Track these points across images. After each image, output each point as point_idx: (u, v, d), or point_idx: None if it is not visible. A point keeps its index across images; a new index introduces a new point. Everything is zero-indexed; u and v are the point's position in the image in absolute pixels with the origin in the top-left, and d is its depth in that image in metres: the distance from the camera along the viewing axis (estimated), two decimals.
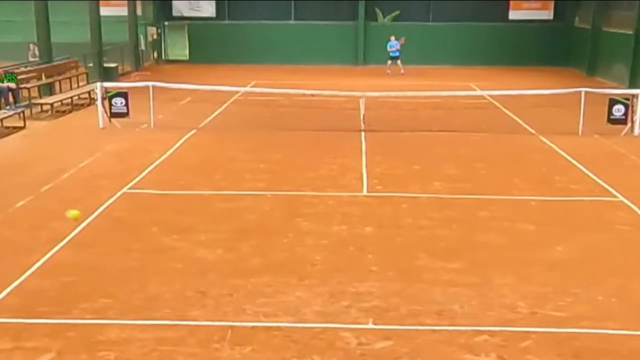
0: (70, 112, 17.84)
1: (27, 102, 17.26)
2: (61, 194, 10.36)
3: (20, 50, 24.74)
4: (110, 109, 15.58)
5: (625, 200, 10.20)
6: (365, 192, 10.68)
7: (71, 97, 18.48)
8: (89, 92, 18.97)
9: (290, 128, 15.63)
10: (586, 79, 24.71)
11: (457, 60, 29.39)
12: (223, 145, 14.00)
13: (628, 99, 15.10)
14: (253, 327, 6.27)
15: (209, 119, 16.72)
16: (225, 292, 6.98)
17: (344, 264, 7.79)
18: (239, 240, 8.48)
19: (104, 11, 25.68)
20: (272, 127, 15.83)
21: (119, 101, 15.55)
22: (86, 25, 23.67)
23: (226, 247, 8.26)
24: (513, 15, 30.34)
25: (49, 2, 20.02)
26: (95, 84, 16.43)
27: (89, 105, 18.52)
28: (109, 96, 15.60)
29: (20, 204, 9.81)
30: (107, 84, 16.26)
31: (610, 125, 15.11)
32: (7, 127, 15.30)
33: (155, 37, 30.85)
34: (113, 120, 15.52)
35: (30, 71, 19.32)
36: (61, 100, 18.13)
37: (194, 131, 15.08)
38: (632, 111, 14.98)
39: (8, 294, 6.90)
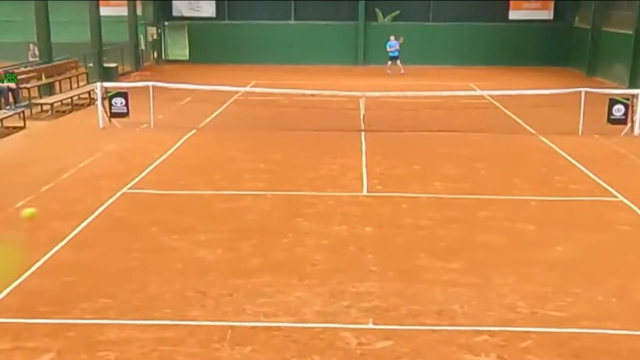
0: (70, 112, 17.84)
1: (27, 102, 17.26)
2: (61, 194, 10.37)
3: (20, 50, 24.74)
4: (110, 109, 15.58)
5: (625, 200, 10.20)
6: (365, 192, 10.68)
7: (71, 97, 18.48)
8: (89, 92, 18.97)
9: (290, 128, 15.63)
10: (586, 79, 24.71)
11: (457, 60, 29.40)
12: (223, 145, 14.00)
13: (628, 99, 15.10)
14: (253, 327, 6.27)
15: (209, 119, 16.72)
16: (225, 292, 6.98)
17: (344, 264, 7.79)
18: (239, 240, 8.48)
19: (104, 11, 25.68)
20: (272, 127, 15.83)
21: (119, 101, 15.55)
22: (86, 25, 23.68)
23: (226, 247, 8.27)
24: (513, 15, 30.35)
25: (49, 2, 20.02)
26: (95, 84, 16.44)
27: (89, 105, 18.53)
28: (109, 96, 15.60)
29: (20, 204, 9.80)
30: (107, 84, 16.26)
31: (610, 125, 15.11)
32: (7, 127, 15.30)
33: (155, 37, 30.85)
34: (113, 120, 15.52)
35: (30, 71, 19.32)
36: (61, 100, 18.13)
37: (194, 131, 15.08)
38: (632, 111, 14.98)
39: (8, 294, 6.90)
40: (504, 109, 18.23)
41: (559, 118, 16.56)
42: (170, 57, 31.40)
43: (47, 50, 20.49)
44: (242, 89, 18.81)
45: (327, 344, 5.98)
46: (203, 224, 9.06)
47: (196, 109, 17.77)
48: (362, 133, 14.91)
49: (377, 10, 30.40)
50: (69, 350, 5.84)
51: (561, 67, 28.45)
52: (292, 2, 30.66)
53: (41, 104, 17.67)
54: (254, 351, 5.85)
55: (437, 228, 9.05)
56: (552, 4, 30.20)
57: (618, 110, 15.13)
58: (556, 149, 13.71)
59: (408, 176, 11.71)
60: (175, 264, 7.72)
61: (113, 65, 24.22)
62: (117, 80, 21.46)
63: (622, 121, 15.11)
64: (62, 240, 8.34)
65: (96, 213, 9.41)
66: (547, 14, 30.31)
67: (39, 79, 19.26)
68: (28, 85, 18.04)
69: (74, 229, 8.75)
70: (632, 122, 14.99)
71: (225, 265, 7.70)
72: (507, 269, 7.66)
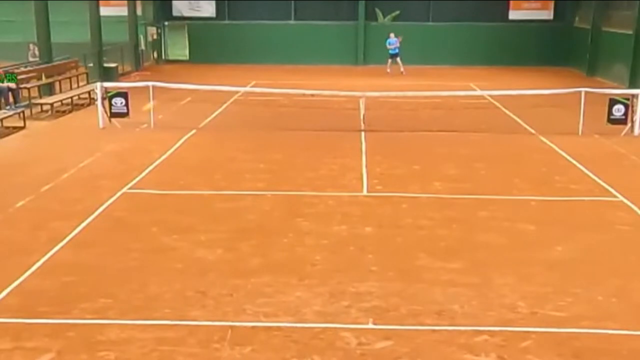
0: (70, 112, 17.84)
1: (27, 102, 17.25)
2: (61, 194, 10.37)
3: (20, 50, 24.72)
4: (110, 109, 15.58)
5: (625, 200, 10.20)
6: (365, 192, 10.68)
7: (71, 97, 18.47)
8: (89, 92, 18.96)
9: (290, 128, 15.63)
10: (586, 79, 24.71)
11: (457, 60, 29.39)
12: (223, 145, 14.00)
13: (628, 99, 15.09)
14: (253, 327, 6.27)
15: (209, 119, 16.72)
16: (225, 292, 6.98)
17: (344, 264, 7.79)
18: (239, 240, 8.48)
19: (104, 11, 25.67)
20: (272, 127, 15.83)
21: (119, 101, 15.55)
22: (86, 25, 23.67)
23: (226, 247, 8.27)
24: (513, 15, 30.34)
25: (49, 2, 20.01)
26: (95, 84, 16.43)
27: (89, 105, 18.52)
28: (109, 96, 15.60)
29: (20, 204, 9.81)
30: (107, 84, 16.26)
31: (610, 125, 15.11)
32: (7, 127, 15.30)
33: (155, 37, 30.85)
34: (113, 120, 15.52)
35: (30, 71, 19.32)
36: (61, 100, 18.13)
37: (194, 131, 15.08)
38: (632, 111, 14.98)
39: (8, 294, 6.90)
40: (504, 109, 18.23)
41: (559, 118, 16.56)
42: (170, 57, 31.40)
43: (47, 50, 20.49)
44: (242, 89, 18.81)
45: (327, 344, 5.99)
46: (203, 224, 9.06)
47: (196, 109, 17.77)
48: (362, 133, 14.91)
49: (377, 10, 30.40)
50: (69, 350, 5.84)
51: (561, 67, 28.45)
52: (292, 2, 30.65)
53: (41, 104, 17.67)
54: (254, 351, 5.85)
55: (437, 228, 9.05)
56: (552, 4, 30.19)
57: (618, 110, 15.13)
58: (556, 149, 13.71)
59: (408, 176, 11.71)
60: (175, 264, 7.72)
61: (113, 65, 24.21)
62: (117, 80, 21.46)
63: (622, 121, 15.11)
64: (62, 240, 8.34)
65: (96, 213, 9.41)
66: (547, 14, 30.31)
67: (39, 79, 19.26)
68: (28, 85, 18.04)
69: (74, 229, 8.75)
70: (632, 122, 14.98)
71: (225, 265, 7.70)
72: (507, 269, 7.66)
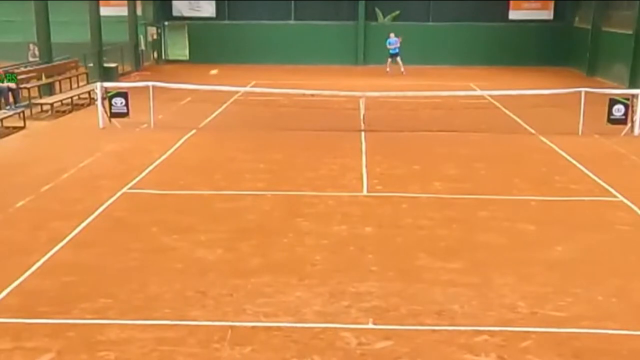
0: (70, 112, 17.84)
1: (27, 102, 17.25)
2: (61, 194, 10.37)
3: (20, 50, 24.72)
4: (110, 109, 15.58)
5: (625, 200, 10.20)
6: (365, 192, 10.68)
7: (71, 97, 18.47)
8: (89, 92, 18.96)
9: (290, 128, 15.63)
10: (586, 79, 24.71)
11: (457, 60, 29.39)
12: (223, 145, 14.00)
13: (628, 99, 15.09)
14: (253, 327, 6.27)
15: (209, 119, 16.72)
16: (225, 292, 6.98)
17: (344, 264, 7.79)
18: (239, 240, 8.48)
19: (104, 11, 25.68)
20: (272, 127, 15.83)
21: (119, 101, 15.55)
22: (86, 25, 23.67)
23: (226, 247, 8.27)
24: (513, 15, 30.34)
25: (49, 2, 20.01)
26: (95, 84, 16.43)
27: (89, 105, 18.52)
28: (109, 96, 15.60)
29: (20, 204, 9.82)
30: (107, 84, 16.26)
31: (610, 125, 15.11)
32: (7, 127, 15.30)
33: (155, 37, 30.85)
34: (113, 120, 15.52)
35: (30, 71, 19.31)
36: (61, 100, 18.13)
37: (194, 131, 15.08)
38: (632, 111, 14.97)
39: (8, 294, 6.90)
40: (504, 109, 18.23)
41: (559, 118, 16.56)
42: (170, 57, 31.40)
43: (47, 50, 20.48)
44: (242, 89, 18.81)
45: (327, 344, 5.98)
46: (203, 224, 9.06)
47: (196, 109, 17.77)
48: (362, 133, 14.91)
49: (377, 10, 30.40)
50: (69, 350, 5.84)
51: (561, 67, 28.45)
52: (292, 2, 30.65)
53: (41, 104, 17.67)
54: (254, 351, 5.85)
55: (437, 228, 9.05)
56: (552, 4, 30.19)
57: (618, 110, 15.13)
58: (556, 149, 13.71)
59: (408, 176, 11.71)
60: (175, 264, 7.72)
61: (113, 65, 24.21)
62: (117, 80, 21.46)
63: (622, 121, 15.11)
64: (62, 240, 8.34)
65: (96, 213, 9.41)
66: (547, 14, 30.30)
67: (39, 79, 19.26)
68: (28, 85, 18.04)
69: (74, 229, 8.75)
70: (632, 122, 14.98)
71: (225, 265, 7.70)
72: (507, 269, 7.66)
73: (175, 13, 31.21)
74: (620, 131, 14.96)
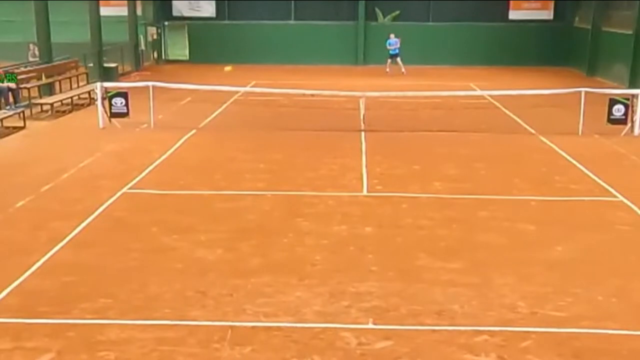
0: (70, 112, 17.84)
1: (27, 102, 17.25)
2: (61, 194, 10.37)
3: (20, 50, 24.72)
4: (110, 109, 15.58)
5: (625, 200, 10.20)
6: (365, 192, 10.68)
7: (71, 97, 18.48)
8: (89, 92, 18.97)
9: (290, 128, 15.63)
10: (586, 79, 24.71)
11: (457, 60, 29.39)
12: (223, 145, 14.00)
13: (628, 99, 15.09)
14: (253, 327, 6.27)
15: (209, 119, 16.72)
16: (225, 292, 6.98)
17: (344, 264, 7.79)
18: (239, 240, 8.48)
19: (104, 11, 25.68)
20: (272, 127, 15.83)
21: (119, 101, 15.55)
22: (86, 25, 23.67)
23: (226, 247, 8.27)
24: (513, 15, 30.34)
25: (49, 2, 20.01)
26: (95, 84, 16.43)
27: (89, 105, 18.52)
28: (109, 96, 15.60)
29: (20, 204, 9.82)
30: (107, 84, 16.26)
31: (610, 125, 15.11)
32: (7, 127, 15.30)
33: (155, 37, 30.85)
34: (113, 120, 15.52)
35: (30, 71, 19.32)
36: (61, 100, 18.13)
37: (194, 131, 15.08)
38: (632, 111, 14.98)
39: (8, 294, 6.90)
40: (504, 109, 18.23)
41: (559, 118, 16.56)
42: (170, 57, 31.39)
43: (47, 50, 20.48)
44: (242, 89, 18.80)
45: (327, 344, 5.99)
46: (203, 224, 9.06)
47: (196, 109, 17.77)
48: (362, 133, 14.91)
49: (377, 10, 30.40)
50: (69, 350, 5.84)
51: (561, 67, 28.45)
52: (292, 2, 30.65)
53: (41, 104, 17.67)
54: (254, 351, 5.85)
55: (437, 228, 9.05)
56: (552, 4, 30.19)
57: (618, 110, 15.13)
58: (556, 149, 13.71)
59: (408, 176, 11.71)
60: (175, 264, 7.72)
61: (113, 65, 24.21)
62: (117, 80, 21.46)
63: (622, 121, 15.11)
64: (62, 240, 8.34)
65: (96, 213, 9.41)
66: (547, 14, 30.30)
67: (39, 79, 19.26)
68: (28, 85, 18.04)
69: (74, 229, 8.75)
70: (632, 122, 14.98)
71: (225, 265, 7.70)
72: (507, 269, 7.66)
73: (175, 13, 31.21)
74: (620, 131, 14.96)
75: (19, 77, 17.31)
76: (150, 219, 9.25)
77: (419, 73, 26.26)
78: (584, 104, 15.08)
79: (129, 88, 16.13)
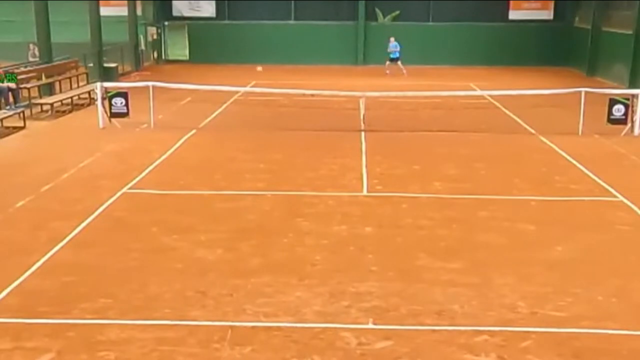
0: (70, 112, 17.84)
1: (27, 102, 17.25)
2: (61, 194, 10.37)
3: (20, 50, 24.72)
4: (110, 109, 15.58)
5: (625, 200, 10.20)
6: (365, 192, 10.68)
7: (71, 97, 18.48)
8: (89, 92, 18.97)
9: (290, 128, 15.63)
10: (586, 79, 24.71)
11: (457, 60, 29.39)
12: (223, 145, 14.00)
13: (628, 99, 15.09)
14: (253, 327, 6.27)
15: (209, 119, 16.72)
16: (225, 292, 6.98)
17: (344, 264, 7.79)
18: (239, 240, 8.48)
19: (104, 11, 25.67)
20: (272, 127, 15.83)
21: (119, 101, 15.55)
22: (86, 25, 23.67)
23: (226, 247, 8.27)
24: (513, 15, 30.34)
25: (49, 2, 20.01)
26: (95, 84, 16.43)
27: (89, 105, 18.52)
28: (109, 96, 15.60)
29: (20, 204, 9.82)
30: (107, 84, 16.26)
31: (610, 125, 15.11)
32: (7, 127, 15.30)
33: (155, 37, 30.85)
34: (113, 120, 15.52)
35: (30, 71, 19.31)
36: (61, 100, 18.13)
37: (194, 131, 15.08)
38: (632, 111, 14.98)
39: (8, 294, 6.90)
40: (504, 109, 18.23)
41: (559, 118, 16.56)
42: (170, 57, 31.40)
43: (47, 50, 20.48)
44: (242, 89, 18.81)
45: (327, 344, 5.99)
46: (203, 224, 9.06)
47: (196, 109, 17.77)
48: (362, 133, 14.91)
49: (377, 10, 30.40)
50: (69, 350, 5.84)
51: (561, 67, 28.45)
52: (292, 2, 30.65)
53: (41, 104, 17.67)
54: (254, 351, 5.85)
55: (437, 228, 9.05)
56: (552, 4, 30.19)
57: (618, 110, 15.14)
58: (556, 149, 13.71)
59: (408, 176, 11.71)
60: (175, 264, 7.72)
61: (113, 65, 24.21)
62: (117, 80, 21.46)
63: (622, 121, 15.11)
64: (62, 240, 8.34)
65: (96, 213, 9.41)
66: (547, 14, 30.30)
67: (39, 79, 19.25)
68: (28, 85, 18.03)
69: (74, 229, 8.75)
70: (632, 122, 14.98)
71: (225, 265, 7.70)
72: (507, 269, 7.66)
73: (175, 13, 31.21)
74: (620, 131, 14.96)
75: (19, 77, 17.31)
76: (150, 219, 9.25)
77: (419, 73, 26.25)
78: (584, 104, 15.08)
79: (129, 88, 16.13)
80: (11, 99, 16.47)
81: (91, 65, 23.06)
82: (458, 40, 29.94)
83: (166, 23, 31.23)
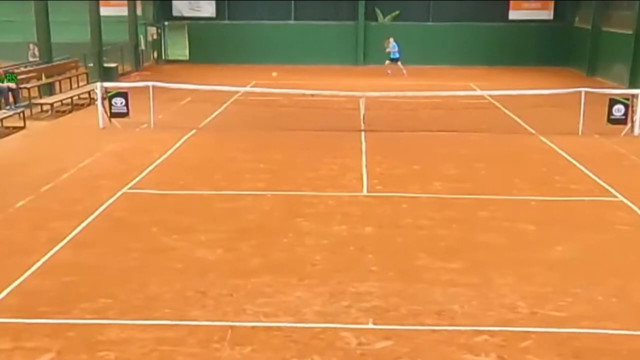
0: (70, 112, 17.84)
1: (27, 102, 17.25)
2: (61, 194, 10.37)
3: (20, 50, 24.73)
4: (110, 109, 15.58)
5: (625, 200, 10.20)
6: (365, 192, 10.68)
7: (71, 97, 18.47)
8: (89, 92, 18.96)
9: (290, 128, 15.63)
10: (586, 79, 24.70)
11: (457, 60, 29.38)
12: (223, 145, 14.00)
13: (628, 99, 15.09)
14: (253, 327, 6.27)
15: (209, 119, 16.72)
16: (225, 292, 6.98)
17: (344, 264, 7.79)
18: (239, 240, 8.48)
19: (104, 11, 25.67)
20: (272, 127, 15.83)
21: (119, 101, 15.55)
22: (86, 25, 23.67)
23: (226, 247, 8.27)
24: (513, 15, 30.33)
25: (49, 2, 20.01)
26: (95, 84, 16.43)
27: (89, 105, 18.52)
28: (109, 96, 15.60)
29: (20, 204, 9.82)
30: (107, 84, 16.26)
31: (610, 125, 15.11)
32: (7, 127, 15.30)
33: (155, 37, 30.84)
34: (113, 120, 15.52)
35: (30, 71, 19.31)
36: (61, 100, 18.13)
37: (194, 131, 15.08)
38: (632, 111, 14.98)
39: (8, 294, 6.90)
40: (504, 109, 18.23)
41: (559, 118, 16.56)
42: (170, 57, 31.39)
43: (47, 50, 20.48)
44: (242, 89, 18.81)
45: (327, 344, 5.99)
46: (203, 224, 9.06)
47: (196, 109, 17.77)
48: (362, 133, 14.91)
49: (377, 10, 30.40)
50: (69, 350, 5.84)
51: (561, 67, 28.44)
52: (292, 2, 30.65)
53: (41, 104, 17.67)
54: (254, 351, 5.85)
55: (437, 228, 9.05)
56: (552, 4, 30.18)
57: (618, 110, 15.13)
58: (556, 149, 13.71)
59: (408, 176, 11.71)
60: (175, 264, 7.72)
61: (113, 65, 24.21)
62: (117, 80, 21.45)
63: (622, 121, 15.11)
64: (62, 240, 8.34)
65: (96, 213, 9.41)
66: (547, 14, 30.30)
67: (39, 79, 19.25)
68: (28, 85, 18.03)
69: (74, 229, 8.75)
70: (632, 122, 14.98)
71: (225, 265, 7.70)
72: (507, 269, 7.66)
73: (175, 13, 31.20)
74: (620, 131, 14.96)
75: (19, 77, 17.30)
76: (150, 219, 9.25)
77: (419, 73, 26.24)
78: (584, 104, 15.08)
79: (129, 88, 16.13)
80: (11, 99, 16.47)
81: (91, 65, 23.05)
82: (458, 40, 29.93)
83: (166, 23, 31.23)
